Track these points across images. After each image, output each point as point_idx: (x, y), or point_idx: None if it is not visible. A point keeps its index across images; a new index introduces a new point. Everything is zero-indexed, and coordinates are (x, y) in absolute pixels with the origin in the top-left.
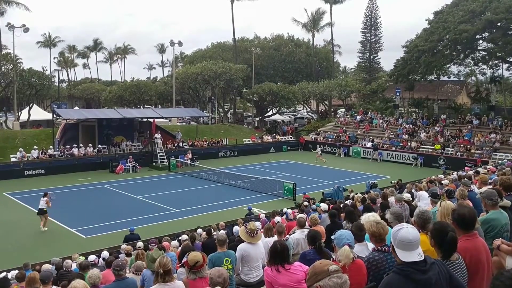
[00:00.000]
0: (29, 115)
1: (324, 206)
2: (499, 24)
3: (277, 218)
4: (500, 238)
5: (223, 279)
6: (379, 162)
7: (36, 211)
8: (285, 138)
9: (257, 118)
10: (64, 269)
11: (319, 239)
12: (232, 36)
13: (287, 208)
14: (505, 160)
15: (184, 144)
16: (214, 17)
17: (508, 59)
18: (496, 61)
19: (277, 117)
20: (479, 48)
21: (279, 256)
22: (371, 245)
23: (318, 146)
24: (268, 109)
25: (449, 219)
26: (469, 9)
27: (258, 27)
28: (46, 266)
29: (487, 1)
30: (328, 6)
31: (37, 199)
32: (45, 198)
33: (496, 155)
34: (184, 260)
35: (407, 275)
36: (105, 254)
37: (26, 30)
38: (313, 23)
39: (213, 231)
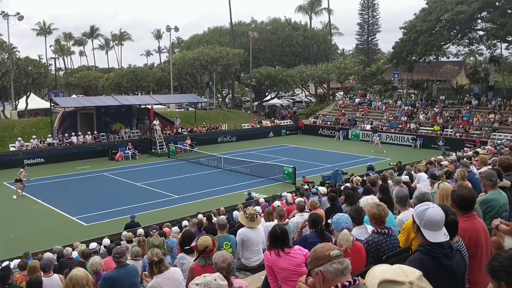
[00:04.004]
0: (27, 104)
1: (323, 189)
2: (497, 3)
3: (277, 202)
4: (499, 218)
5: (228, 264)
6: (381, 147)
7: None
8: (284, 122)
9: (256, 103)
10: (65, 256)
11: (321, 222)
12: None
13: (287, 192)
14: (504, 140)
15: (183, 130)
16: (214, 3)
17: (507, 38)
18: (495, 41)
19: (275, 101)
20: (477, 28)
21: (278, 240)
22: (370, 228)
23: (376, 134)
24: (267, 94)
25: (448, 200)
26: None
27: (256, 11)
28: (48, 255)
29: None
30: None
31: (38, 188)
32: (21, 169)
33: (495, 135)
34: (193, 244)
35: (436, 258)
36: (107, 241)
37: (21, 18)
38: (311, 5)
39: (213, 217)
